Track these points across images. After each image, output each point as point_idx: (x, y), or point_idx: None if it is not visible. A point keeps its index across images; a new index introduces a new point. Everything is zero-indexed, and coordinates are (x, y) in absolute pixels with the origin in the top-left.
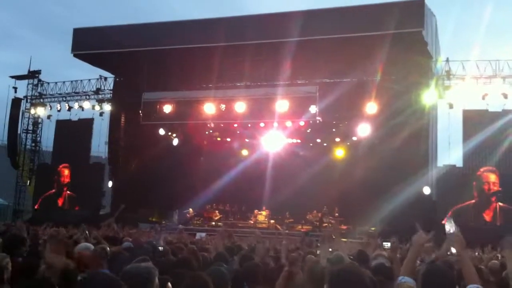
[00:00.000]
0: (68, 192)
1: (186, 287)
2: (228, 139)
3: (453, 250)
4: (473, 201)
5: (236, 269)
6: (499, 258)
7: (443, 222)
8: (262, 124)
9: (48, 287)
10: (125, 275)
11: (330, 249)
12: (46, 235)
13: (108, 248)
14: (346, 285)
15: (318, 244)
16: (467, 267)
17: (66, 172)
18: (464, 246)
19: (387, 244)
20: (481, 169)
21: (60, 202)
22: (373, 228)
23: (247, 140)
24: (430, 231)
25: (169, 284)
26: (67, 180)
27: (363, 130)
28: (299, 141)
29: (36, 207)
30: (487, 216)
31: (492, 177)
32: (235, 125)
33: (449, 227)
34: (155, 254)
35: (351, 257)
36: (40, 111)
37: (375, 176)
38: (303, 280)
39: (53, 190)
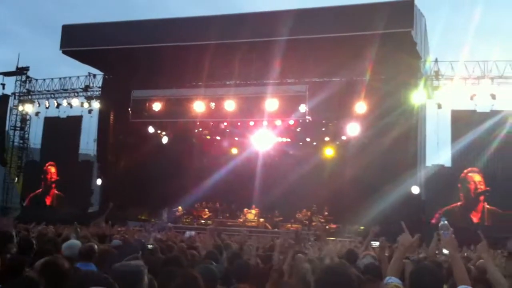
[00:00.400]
0: (56, 191)
1: (177, 284)
2: (218, 138)
3: (445, 251)
4: (460, 203)
5: (226, 267)
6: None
7: (432, 221)
8: (251, 123)
9: (35, 285)
10: (114, 273)
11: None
12: (34, 233)
13: (96, 246)
14: (332, 284)
15: (309, 243)
16: (459, 268)
17: (53, 170)
18: (456, 247)
19: (376, 243)
20: (465, 171)
21: (48, 200)
22: (361, 227)
23: (236, 138)
24: (416, 232)
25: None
26: (54, 178)
27: (353, 130)
28: (288, 140)
29: (25, 204)
30: (475, 217)
31: (477, 177)
32: (225, 123)
33: (444, 228)
34: (144, 252)
35: (339, 256)
36: (28, 108)
37: (364, 176)
38: (293, 279)
39: (41, 189)
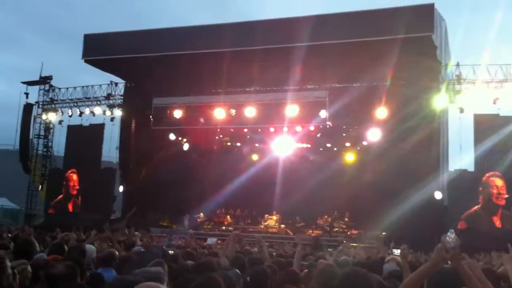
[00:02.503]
0: (78, 197)
1: (197, 285)
2: (238, 144)
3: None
4: (479, 205)
5: (245, 274)
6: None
7: (458, 228)
8: (272, 129)
9: None
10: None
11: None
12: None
13: (116, 252)
14: None
15: (329, 249)
16: (470, 280)
17: (75, 177)
18: (461, 260)
19: (397, 251)
20: (487, 174)
21: (70, 207)
22: (384, 233)
23: (257, 145)
24: (438, 238)
25: None
26: (76, 185)
27: (374, 135)
28: (309, 145)
29: (50, 211)
30: (497, 222)
31: (499, 182)
32: (245, 130)
33: (451, 240)
34: (165, 258)
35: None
36: (52, 117)
37: (385, 181)
38: (313, 284)
39: (62, 195)
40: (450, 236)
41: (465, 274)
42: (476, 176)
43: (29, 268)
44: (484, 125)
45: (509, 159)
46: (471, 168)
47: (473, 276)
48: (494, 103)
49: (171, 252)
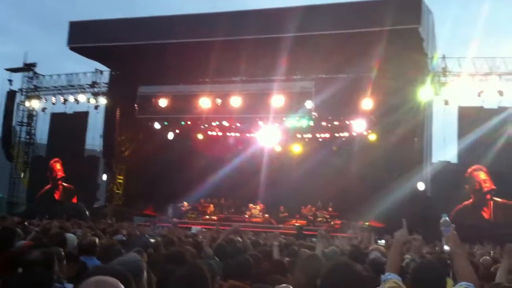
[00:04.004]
0: (64, 184)
1: (182, 275)
2: (223, 134)
3: (446, 247)
4: (470, 200)
5: (226, 263)
6: (491, 254)
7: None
8: (257, 119)
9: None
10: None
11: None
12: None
13: (97, 240)
14: (339, 280)
15: (312, 239)
16: (461, 264)
17: (58, 166)
18: (458, 243)
19: (382, 241)
20: (469, 170)
21: (56, 195)
22: (366, 223)
23: (242, 134)
24: (418, 229)
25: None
26: (60, 174)
27: (359, 126)
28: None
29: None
30: (486, 214)
31: (482, 175)
32: (231, 119)
33: (445, 224)
34: (146, 247)
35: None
36: (35, 104)
37: (370, 172)
38: (297, 273)
39: (49, 185)
40: (445, 220)
41: (458, 258)
42: (459, 168)
43: None
44: (469, 118)
45: (493, 151)
46: (454, 160)
47: (466, 262)
48: (479, 95)
49: (152, 240)
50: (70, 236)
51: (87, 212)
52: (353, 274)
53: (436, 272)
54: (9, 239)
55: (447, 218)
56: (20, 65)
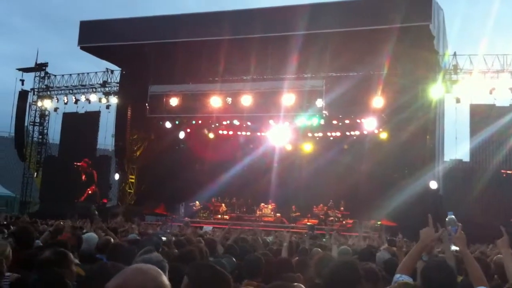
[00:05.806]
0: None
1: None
2: (234, 133)
3: (453, 247)
4: None
5: (238, 262)
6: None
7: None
8: (268, 118)
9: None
10: None
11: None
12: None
13: (112, 240)
14: (342, 279)
15: (324, 239)
16: (472, 266)
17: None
18: (465, 243)
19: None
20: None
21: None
22: (379, 223)
23: (253, 133)
24: (440, 227)
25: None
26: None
27: (370, 124)
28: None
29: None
30: None
31: None
32: (241, 118)
33: (451, 223)
34: (158, 246)
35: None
36: (47, 104)
37: (381, 171)
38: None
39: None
40: (451, 218)
41: (469, 259)
42: (471, 166)
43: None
44: (480, 116)
45: (505, 149)
46: (466, 158)
47: (476, 263)
48: (491, 93)
49: (164, 238)
50: (91, 235)
51: (96, 212)
52: (354, 273)
53: (445, 272)
54: (30, 240)
55: (453, 216)
56: (32, 65)
